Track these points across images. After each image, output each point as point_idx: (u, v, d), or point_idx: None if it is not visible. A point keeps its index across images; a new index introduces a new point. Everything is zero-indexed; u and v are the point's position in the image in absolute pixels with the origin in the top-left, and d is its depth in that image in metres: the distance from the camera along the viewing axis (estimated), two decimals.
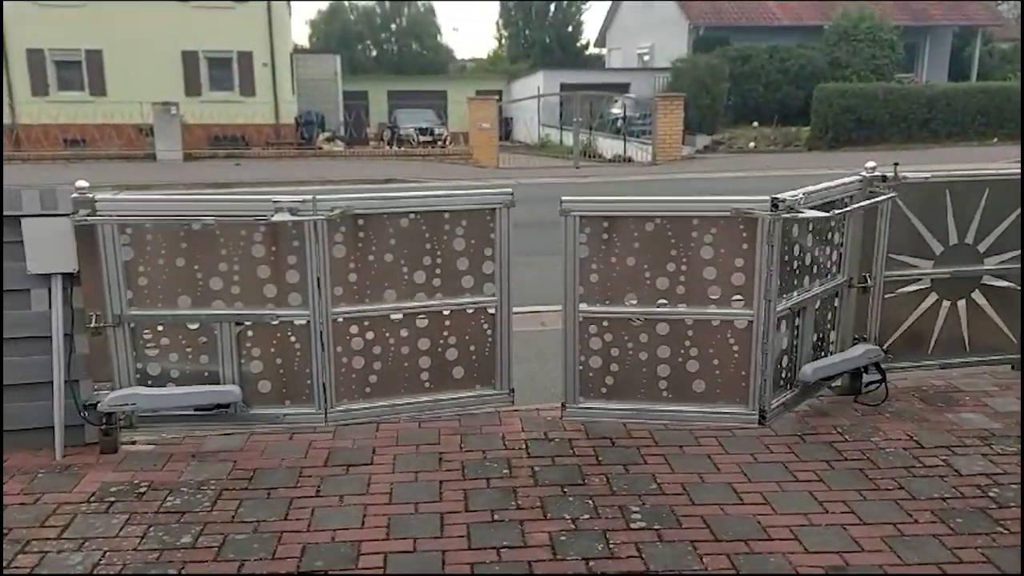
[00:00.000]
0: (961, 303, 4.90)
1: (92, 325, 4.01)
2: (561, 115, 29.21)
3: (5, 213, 3.89)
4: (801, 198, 4.15)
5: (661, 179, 18.79)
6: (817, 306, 4.58)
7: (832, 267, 4.64)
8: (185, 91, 27.00)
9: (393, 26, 53.37)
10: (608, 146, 25.42)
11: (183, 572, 3.11)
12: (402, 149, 27.39)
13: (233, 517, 3.49)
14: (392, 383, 4.41)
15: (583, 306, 4.31)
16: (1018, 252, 4.84)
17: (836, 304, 4.73)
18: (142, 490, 3.74)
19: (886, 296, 4.75)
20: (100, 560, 3.18)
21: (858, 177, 4.61)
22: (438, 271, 4.34)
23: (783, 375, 4.46)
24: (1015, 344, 4.97)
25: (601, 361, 4.39)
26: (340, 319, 4.26)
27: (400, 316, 4.36)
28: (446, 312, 4.39)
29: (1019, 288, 4.89)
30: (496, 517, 3.47)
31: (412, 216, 4.27)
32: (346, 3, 53.68)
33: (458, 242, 4.33)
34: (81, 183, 3.95)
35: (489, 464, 3.97)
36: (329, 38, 49.46)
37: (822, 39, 27.72)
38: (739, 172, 19.26)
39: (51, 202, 3.92)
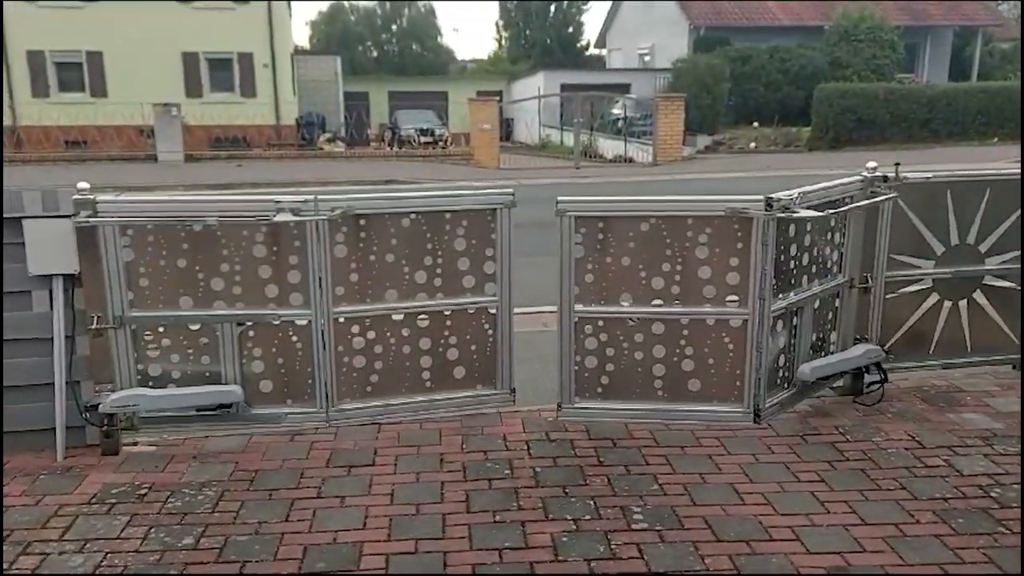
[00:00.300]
0: (962, 303, 4.89)
1: (93, 326, 4.01)
2: (562, 116, 29.21)
3: (7, 215, 3.90)
4: (796, 198, 4.16)
5: (662, 180, 18.79)
6: (817, 306, 4.58)
7: (833, 267, 4.64)
8: (186, 92, 27.03)
9: (394, 27, 53.39)
10: (609, 147, 25.42)
11: (185, 573, 3.11)
12: (403, 150, 27.39)
13: (235, 518, 3.49)
14: (393, 382, 4.41)
15: (579, 306, 4.32)
16: (1019, 252, 4.84)
17: (837, 304, 4.73)
18: (143, 491, 3.74)
19: (887, 296, 4.75)
20: (102, 562, 3.18)
21: (859, 177, 4.61)
22: (439, 271, 4.35)
23: (780, 374, 4.47)
24: (1016, 344, 4.97)
25: (597, 361, 4.39)
26: (341, 319, 4.26)
27: (401, 316, 4.36)
28: (447, 312, 4.40)
29: (1020, 288, 4.88)
30: (498, 518, 3.47)
31: (413, 216, 4.28)
32: (346, 4, 53.73)
33: (459, 242, 4.33)
34: (82, 184, 3.96)
35: (491, 465, 3.97)
36: (330, 39, 49.47)
37: (823, 39, 27.73)
38: (740, 172, 19.26)
39: (52, 203, 3.93)
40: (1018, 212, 4.78)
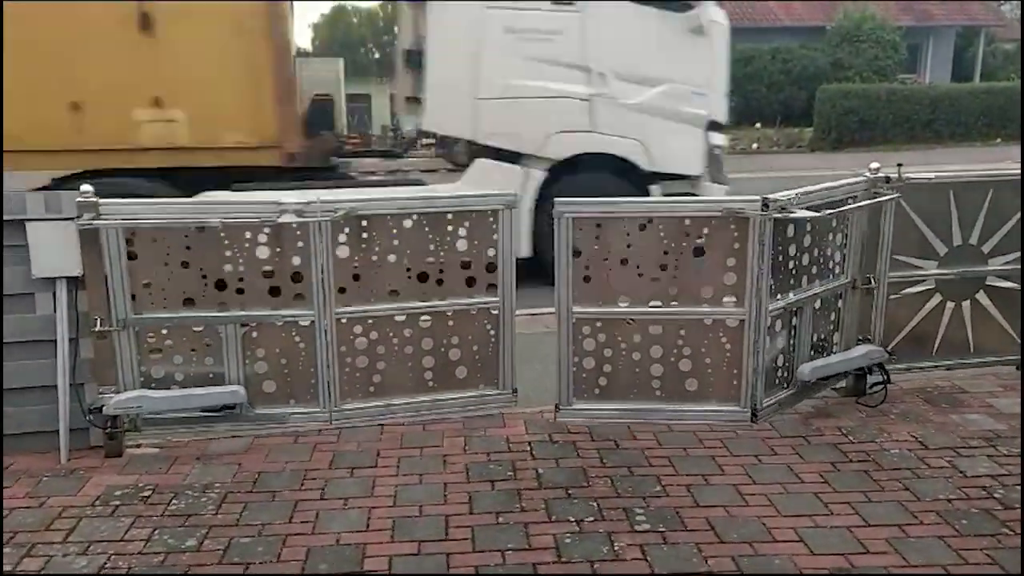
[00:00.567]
0: (965, 304, 4.89)
1: (96, 329, 4.02)
2: None
3: (12, 217, 3.91)
4: (793, 198, 4.17)
5: None
6: (818, 306, 4.58)
7: (835, 268, 4.64)
8: None
9: (396, 28, 53.45)
10: None
11: (188, 575, 3.12)
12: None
13: (238, 520, 3.50)
14: (396, 382, 4.43)
15: (576, 307, 4.33)
16: (1021, 253, 4.83)
17: (840, 305, 4.72)
18: (147, 493, 3.74)
19: (890, 297, 4.75)
20: (105, 563, 3.18)
21: (862, 178, 4.61)
22: (441, 272, 4.36)
23: (779, 374, 4.47)
24: (1018, 345, 4.97)
25: (594, 362, 4.40)
26: (344, 319, 4.27)
27: (404, 316, 4.37)
28: (449, 312, 4.41)
29: (1021, 289, 4.88)
30: (501, 519, 3.47)
31: (415, 217, 4.29)
32: (348, 6, 53.83)
33: (461, 243, 4.35)
34: (86, 187, 3.97)
35: (493, 466, 3.97)
36: (332, 41, 49.53)
37: (824, 40, 27.69)
38: (742, 173, 19.21)
39: (56, 206, 3.94)
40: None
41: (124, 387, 4.11)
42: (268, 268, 4.17)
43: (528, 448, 4.17)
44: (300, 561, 3.19)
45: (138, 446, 4.23)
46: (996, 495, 3.62)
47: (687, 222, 4.24)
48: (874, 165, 4.65)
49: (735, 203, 4.20)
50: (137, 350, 4.12)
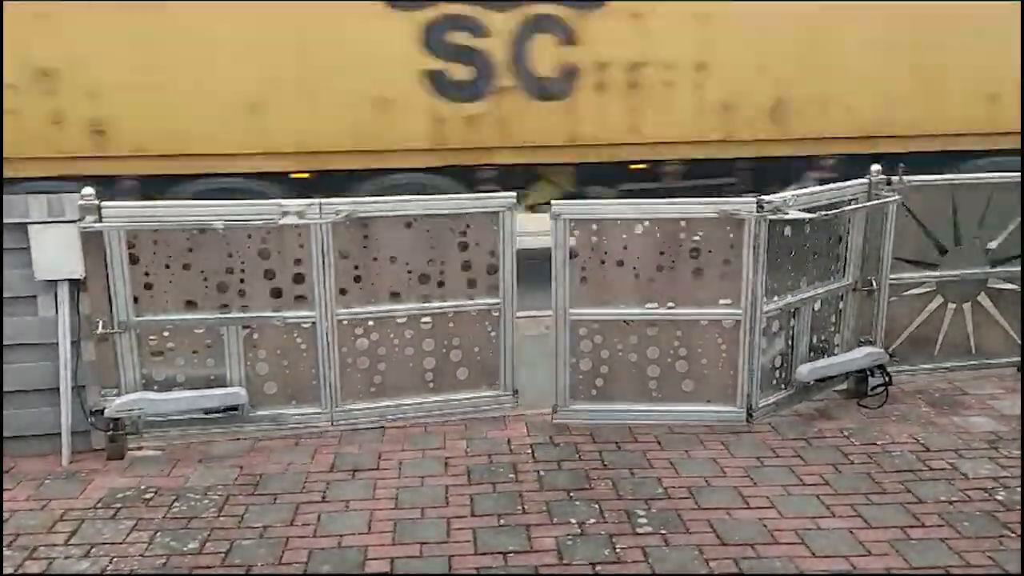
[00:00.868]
0: (966, 306, 4.89)
1: (98, 331, 4.02)
2: None
3: (14, 220, 3.91)
4: (789, 200, 4.18)
5: None
6: (818, 307, 4.58)
7: (836, 270, 4.64)
8: None
9: None
10: None
11: None
12: None
13: (239, 522, 3.50)
14: (397, 384, 4.44)
15: (573, 309, 4.33)
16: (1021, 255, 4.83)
17: (841, 307, 4.73)
18: (149, 496, 3.74)
19: (891, 299, 4.75)
20: (107, 566, 3.19)
21: (864, 180, 4.61)
22: (442, 273, 4.37)
23: (777, 375, 4.48)
24: (1019, 347, 4.96)
25: (591, 363, 4.42)
26: (345, 320, 4.28)
27: (404, 318, 4.38)
28: (450, 314, 4.42)
29: (1021, 291, 4.88)
30: (502, 521, 3.48)
31: (417, 219, 4.29)
32: None
33: (462, 244, 4.35)
34: (87, 190, 3.97)
35: (495, 468, 3.97)
36: None
37: None
38: None
39: (58, 209, 3.94)
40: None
41: (126, 389, 4.11)
42: (270, 270, 4.18)
43: (529, 450, 4.17)
44: (302, 563, 3.19)
45: (140, 448, 4.22)
46: (998, 497, 3.62)
47: (683, 224, 4.26)
48: (875, 167, 4.65)
49: (730, 205, 4.22)
50: (139, 352, 4.12)
